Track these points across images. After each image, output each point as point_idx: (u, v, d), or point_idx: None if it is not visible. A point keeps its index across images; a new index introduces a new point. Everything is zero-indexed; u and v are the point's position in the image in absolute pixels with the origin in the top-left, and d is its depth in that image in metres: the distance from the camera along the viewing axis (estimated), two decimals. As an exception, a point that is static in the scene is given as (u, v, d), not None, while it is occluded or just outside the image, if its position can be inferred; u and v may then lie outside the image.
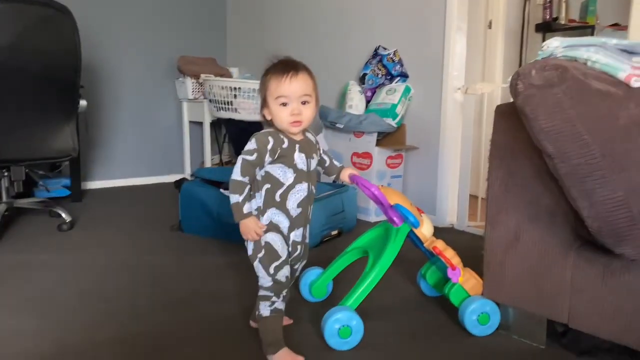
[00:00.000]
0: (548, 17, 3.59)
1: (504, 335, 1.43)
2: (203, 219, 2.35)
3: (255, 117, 2.80)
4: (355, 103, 2.91)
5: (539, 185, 1.27)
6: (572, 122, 1.02)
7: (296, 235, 1.30)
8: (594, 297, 1.20)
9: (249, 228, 1.22)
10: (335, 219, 2.38)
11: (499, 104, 1.39)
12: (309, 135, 1.34)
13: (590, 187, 1.04)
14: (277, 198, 1.26)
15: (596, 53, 1.11)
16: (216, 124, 3.86)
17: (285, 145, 1.24)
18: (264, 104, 1.26)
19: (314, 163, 1.32)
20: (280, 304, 1.27)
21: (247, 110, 3.19)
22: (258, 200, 1.27)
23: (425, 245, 1.50)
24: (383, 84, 2.89)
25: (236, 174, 1.22)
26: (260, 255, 1.25)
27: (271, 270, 1.25)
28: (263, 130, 1.26)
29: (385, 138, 2.83)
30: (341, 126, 2.81)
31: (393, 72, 2.83)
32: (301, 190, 1.27)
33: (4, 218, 2.45)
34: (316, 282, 1.61)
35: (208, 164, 3.84)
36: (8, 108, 2.26)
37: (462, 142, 2.67)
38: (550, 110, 1.03)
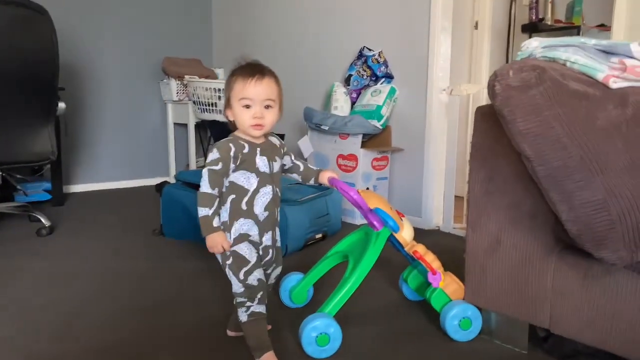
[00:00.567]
0: (534, 17, 3.59)
1: (486, 341, 1.40)
2: (184, 222, 2.31)
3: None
4: (341, 104, 2.89)
5: (520, 188, 1.25)
6: (550, 123, 1.00)
7: (266, 239, 1.29)
8: (575, 302, 1.18)
9: (216, 242, 1.21)
10: (320, 222, 2.35)
11: (479, 105, 1.37)
12: (273, 138, 1.33)
13: (569, 189, 1.02)
14: (244, 206, 1.24)
15: (575, 53, 1.09)
16: (201, 125, 3.82)
17: (246, 150, 1.24)
18: (228, 104, 1.27)
19: (276, 166, 1.31)
20: (257, 307, 1.25)
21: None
22: (223, 215, 1.25)
23: (405, 249, 1.48)
24: (368, 85, 2.87)
25: (205, 187, 1.21)
26: (228, 262, 1.24)
27: (241, 276, 1.23)
28: (223, 139, 1.26)
29: (370, 140, 2.80)
30: (326, 128, 2.79)
31: (378, 73, 2.81)
32: (266, 194, 1.26)
33: (-19, 223, 2.39)
34: (296, 288, 1.58)
35: (193, 166, 3.79)
36: (-18, 110, 2.21)
37: (447, 144, 2.65)
38: (528, 112, 1.01)
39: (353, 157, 2.73)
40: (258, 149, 1.26)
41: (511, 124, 1.04)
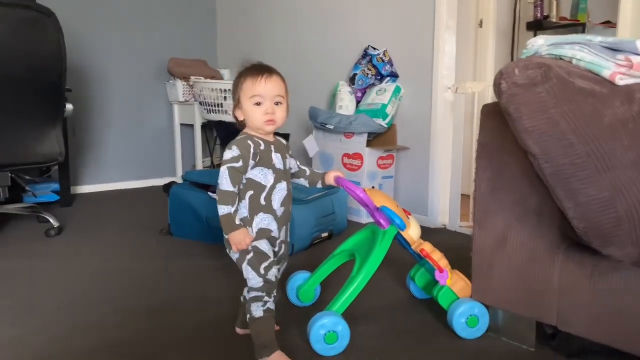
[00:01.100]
0: (539, 15, 3.58)
1: (493, 338, 1.41)
2: (192, 222, 2.33)
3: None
4: (346, 103, 2.89)
5: (526, 185, 1.25)
6: (556, 121, 1.00)
7: (281, 234, 1.32)
8: (582, 299, 1.18)
9: (240, 239, 1.22)
10: (326, 220, 2.36)
11: (485, 103, 1.37)
12: (279, 138, 1.37)
13: (575, 187, 1.02)
14: (262, 201, 1.27)
15: (580, 51, 1.09)
16: (207, 126, 3.84)
17: (262, 147, 1.27)
18: (237, 104, 1.29)
19: (287, 163, 1.34)
20: (271, 304, 1.26)
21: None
22: (242, 211, 1.27)
23: (412, 247, 1.48)
24: (373, 84, 2.87)
25: (225, 185, 1.21)
26: (249, 257, 1.25)
27: (262, 271, 1.25)
28: (238, 137, 1.28)
29: (375, 138, 2.81)
30: (331, 127, 2.79)
31: (383, 72, 2.81)
32: (282, 189, 1.30)
33: (-10, 224, 2.42)
34: (303, 286, 1.59)
35: (199, 166, 3.81)
36: (-9, 113, 2.23)
37: (453, 142, 2.65)
38: (534, 110, 1.01)
39: (358, 156, 2.74)
40: (272, 146, 1.29)
41: (517, 122, 1.04)
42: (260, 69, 1.27)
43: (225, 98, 3.24)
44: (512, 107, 1.04)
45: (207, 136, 4.00)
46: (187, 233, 2.37)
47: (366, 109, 2.80)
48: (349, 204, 2.61)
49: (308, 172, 1.43)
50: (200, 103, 3.45)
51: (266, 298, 1.25)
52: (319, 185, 1.45)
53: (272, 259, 1.27)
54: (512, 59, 3.54)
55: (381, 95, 2.76)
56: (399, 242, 1.49)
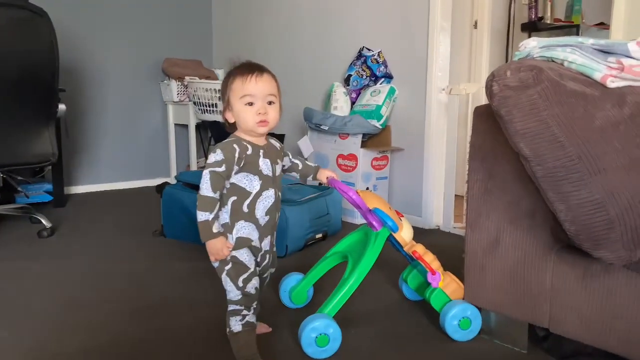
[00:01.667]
0: (533, 16, 3.59)
1: (485, 340, 1.41)
2: (185, 223, 2.32)
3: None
4: (340, 104, 2.89)
5: (519, 187, 1.25)
6: (548, 123, 1.00)
7: (265, 244, 1.26)
8: (574, 301, 1.18)
9: (217, 249, 1.17)
10: (320, 221, 2.36)
11: (477, 105, 1.37)
12: (273, 141, 1.31)
13: (567, 189, 1.02)
14: (245, 209, 1.21)
15: (572, 53, 1.09)
16: (202, 126, 3.83)
17: (249, 151, 1.20)
18: (227, 106, 1.23)
19: (278, 169, 1.28)
20: (251, 317, 1.23)
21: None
22: (224, 216, 1.21)
23: (405, 249, 1.48)
24: (368, 85, 2.87)
25: (206, 190, 1.15)
26: (227, 267, 1.21)
27: (240, 283, 1.21)
28: (226, 140, 1.22)
29: (370, 139, 2.80)
30: (326, 128, 2.79)
31: (377, 73, 2.81)
32: (268, 197, 1.23)
33: (-18, 225, 2.40)
34: (296, 288, 1.58)
35: (194, 167, 3.80)
36: (-18, 113, 2.22)
37: (447, 143, 2.65)
38: (526, 112, 1.01)
39: (353, 157, 2.73)
40: (261, 151, 1.22)
41: (509, 124, 1.04)
42: (250, 68, 1.20)
43: (219, 98, 3.23)
44: (504, 109, 1.04)
45: (202, 136, 3.99)
46: (180, 234, 2.36)
47: (361, 110, 2.79)
48: (343, 205, 2.61)
49: (300, 166, 1.40)
50: (194, 103, 3.44)
51: (245, 312, 1.21)
52: (311, 179, 1.43)
53: (251, 270, 1.22)
54: (506, 61, 3.54)
55: (376, 96, 2.76)
56: (392, 244, 1.49)
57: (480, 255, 1.34)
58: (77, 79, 3.52)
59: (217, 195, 1.16)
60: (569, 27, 3.58)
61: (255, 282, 1.23)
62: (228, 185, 1.21)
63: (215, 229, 1.16)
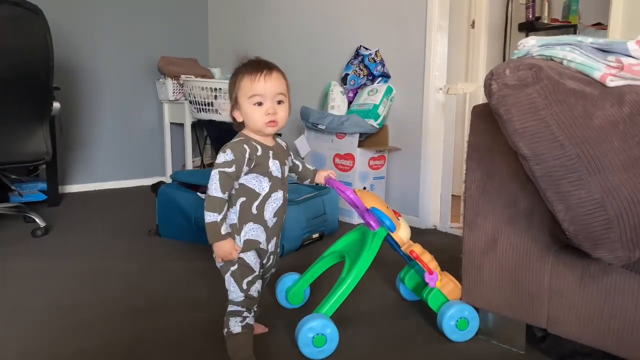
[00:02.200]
0: (531, 16, 3.59)
1: (483, 341, 1.40)
2: (180, 223, 2.30)
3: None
4: (338, 104, 2.88)
5: (517, 187, 1.24)
6: (547, 122, 0.99)
7: (271, 245, 1.25)
8: (572, 301, 1.17)
9: (225, 251, 1.15)
10: (317, 221, 2.34)
11: (475, 105, 1.36)
12: (280, 141, 1.30)
13: (566, 189, 1.01)
14: (254, 210, 1.19)
15: (572, 52, 1.09)
16: (197, 125, 3.81)
17: (259, 152, 1.18)
18: (235, 104, 1.21)
19: (286, 170, 1.27)
20: (251, 320, 1.22)
21: (227, 112, 3.14)
22: (232, 217, 1.19)
23: (402, 249, 1.47)
24: (365, 85, 2.86)
25: (215, 190, 1.12)
26: (233, 268, 1.19)
27: (244, 286, 1.19)
28: (235, 139, 1.19)
29: (367, 139, 2.80)
30: (323, 127, 2.78)
31: (375, 72, 2.80)
32: (277, 199, 1.22)
33: (-25, 224, 2.38)
34: (293, 288, 1.57)
35: (189, 166, 3.78)
36: (-24, 111, 2.20)
37: (444, 143, 2.64)
38: (525, 111, 1.01)
39: (350, 157, 2.72)
40: (270, 152, 1.20)
41: (508, 123, 1.03)
42: (258, 66, 1.17)
43: (215, 97, 3.21)
44: (502, 108, 1.03)
45: (198, 135, 3.97)
46: (176, 234, 2.35)
47: (358, 109, 2.78)
48: (340, 205, 2.59)
49: (300, 168, 1.39)
50: (190, 102, 3.42)
51: (246, 314, 1.20)
52: (308, 182, 1.42)
53: (256, 273, 1.21)
54: (504, 60, 3.54)
55: (373, 95, 2.75)
56: (389, 243, 1.48)
57: (478, 256, 1.33)
58: (72, 77, 3.49)
59: (225, 196, 1.14)
60: (566, 27, 3.58)
61: (258, 285, 1.22)
62: (237, 186, 1.19)
63: (223, 231, 1.14)
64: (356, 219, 2.70)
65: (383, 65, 2.81)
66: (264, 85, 1.16)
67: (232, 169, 1.14)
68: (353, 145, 2.71)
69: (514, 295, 1.28)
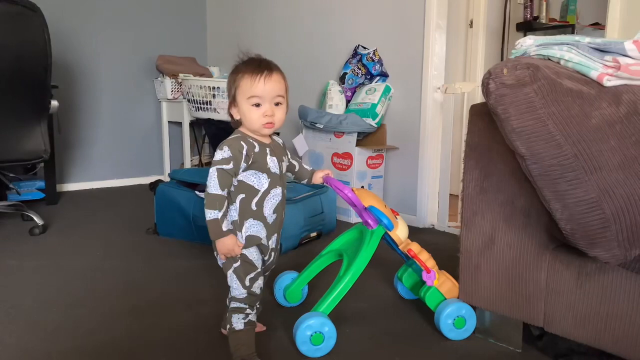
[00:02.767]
0: (529, 16, 3.60)
1: (480, 339, 1.40)
2: (178, 221, 2.30)
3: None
4: (336, 103, 2.88)
5: (514, 186, 1.24)
6: (544, 122, 1.00)
7: (272, 242, 1.26)
8: (569, 300, 1.18)
9: (228, 247, 1.16)
10: (314, 220, 2.35)
11: (473, 104, 1.36)
12: (276, 138, 1.30)
13: (562, 188, 1.01)
14: (254, 207, 1.20)
15: (569, 52, 1.09)
16: (195, 124, 3.80)
17: (257, 149, 1.19)
18: (233, 102, 1.21)
19: (284, 167, 1.28)
20: (253, 317, 1.22)
21: (226, 110, 3.14)
22: (233, 214, 1.20)
23: (400, 247, 1.47)
24: (363, 84, 2.86)
25: (214, 188, 1.13)
26: (236, 265, 1.20)
27: (247, 282, 1.20)
28: (232, 136, 1.20)
29: (365, 138, 2.80)
30: (321, 126, 2.78)
31: (373, 71, 2.80)
32: (276, 195, 1.23)
33: (-27, 222, 2.37)
34: (291, 287, 1.57)
35: (188, 164, 3.78)
36: (-26, 109, 2.19)
37: (442, 142, 2.65)
38: (522, 110, 1.01)
39: (348, 156, 2.73)
40: (268, 149, 1.21)
41: (505, 122, 1.04)
42: (259, 66, 1.17)
43: (214, 96, 3.21)
44: (500, 107, 1.03)
45: (196, 134, 3.97)
46: (174, 232, 2.35)
47: (356, 108, 2.79)
48: (338, 204, 2.60)
49: (297, 168, 1.39)
50: (188, 101, 3.42)
51: (248, 310, 1.21)
52: (305, 183, 1.43)
53: (259, 269, 1.22)
54: (502, 60, 3.55)
55: (371, 94, 2.75)
56: (387, 242, 1.48)
57: (475, 254, 1.34)
58: (70, 75, 3.49)
59: (224, 193, 1.15)
60: (564, 27, 3.59)
61: (260, 282, 1.22)
62: (236, 183, 1.19)
63: (224, 227, 1.15)
64: (354, 218, 2.71)
65: (381, 65, 2.81)
66: (264, 88, 1.16)
67: (230, 166, 1.15)
68: (351, 144, 2.71)
69: (511, 294, 1.28)
